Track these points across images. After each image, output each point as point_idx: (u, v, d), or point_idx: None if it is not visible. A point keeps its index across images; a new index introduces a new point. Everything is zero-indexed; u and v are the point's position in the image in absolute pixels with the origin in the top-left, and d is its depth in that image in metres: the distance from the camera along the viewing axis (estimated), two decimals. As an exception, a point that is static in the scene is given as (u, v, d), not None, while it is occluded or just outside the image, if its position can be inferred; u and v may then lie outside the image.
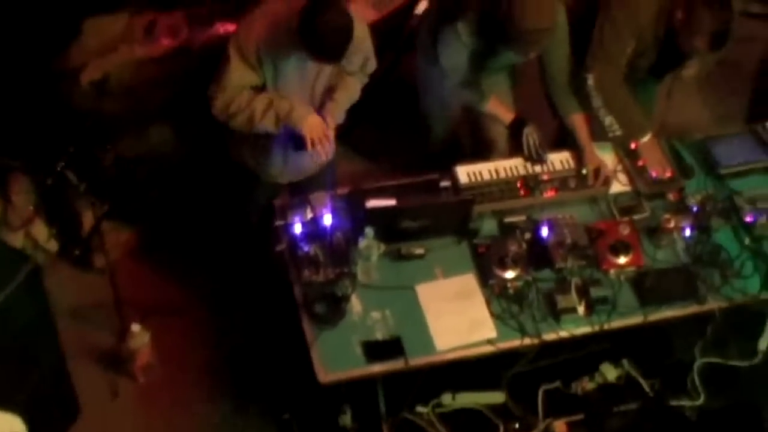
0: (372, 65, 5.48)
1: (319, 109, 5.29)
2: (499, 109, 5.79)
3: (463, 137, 6.44)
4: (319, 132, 5.16)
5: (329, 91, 5.37)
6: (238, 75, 5.07)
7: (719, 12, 5.31)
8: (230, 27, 6.16)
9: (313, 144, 5.15)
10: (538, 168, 5.67)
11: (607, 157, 5.78)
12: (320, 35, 4.78)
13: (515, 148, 5.79)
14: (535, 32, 5.23)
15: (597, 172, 5.63)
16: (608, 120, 5.68)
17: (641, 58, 5.71)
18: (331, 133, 5.27)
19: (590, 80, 5.63)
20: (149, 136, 6.43)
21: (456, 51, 5.55)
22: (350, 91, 5.45)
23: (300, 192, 5.62)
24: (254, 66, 5.06)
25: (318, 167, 5.64)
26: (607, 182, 5.64)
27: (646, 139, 5.73)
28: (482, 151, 6.05)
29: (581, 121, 5.74)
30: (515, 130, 5.73)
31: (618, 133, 5.70)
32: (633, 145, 5.77)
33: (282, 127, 5.17)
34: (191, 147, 6.46)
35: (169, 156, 6.48)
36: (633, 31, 5.56)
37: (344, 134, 5.74)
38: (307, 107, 5.20)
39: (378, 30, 6.37)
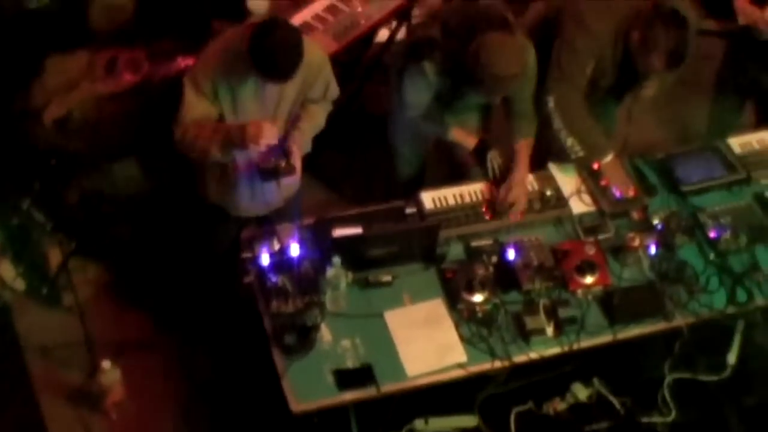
0: (334, 91, 5.50)
1: (284, 139, 5.30)
2: (462, 135, 5.83)
3: (435, 163, 6.46)
4: (256, 129, 5.03)
5: (294, 121, 5.38)
6: (193, 108, 5.10)
7: (675, 31, 5.38)
8: (191, 61, 6.16)
9: (256, 139, 5.03)
10: (503, 191, 5.69)
11: (570, 177, 5.83)
12: (270, 54, 4.81)
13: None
14: (505, 79, 5.27)
15: (511, 203, 5.64)
16: (570, 141, 5.73)
17: (600, 79, 5.77)
18: (299, 163, 5.28)
19: (551, 102, 5.68)
20: (114, 172, 6.42)
21: (420, 89, 5.58)
22: (315, 120, 5.47)
23: (267, 222, 5.63)
24: (209, 98, 5.09)
25: (285, 200, 5.65)
26: (511, 207, 5.63)
27: (608, 159, 5.78)
28: (457, 176, 6.05)
29: (526, 146, 5.77)
30: (479, 154, 5.76)
31: (580, 154, 5.75)
32: (595, 166, 5.81)
33: (231, 152, 5.16)
34: (157, 182, 6.45)
35: (135, 191, 6.46)
36: (591, 53, 5.62)
37: (309, 164, 5.75)
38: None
39: (339, 60, 6.43)
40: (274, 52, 4.81)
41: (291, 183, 5.45)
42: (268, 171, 5.21)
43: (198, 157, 5.24)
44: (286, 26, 4.92)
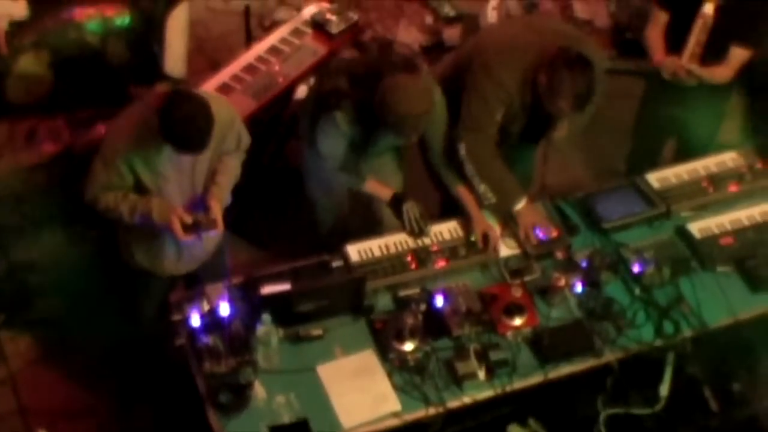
0: (246, 140, 5.54)
1: (204, 195, 5.34)
2: (377, 188, 5.88)
3: (354, 220, 6.50)
4: (168, 213, 5.17)
5: (212, 175, 5.41)
6: (103, 181, 5.17)
7: (580, 74, 5.47)
8: (114, 127, 6.18)
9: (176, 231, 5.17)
10: (427, 240, 5.75)
11: (493, 222, 5.88)
12: (181, 130, 4.86)
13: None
14: (414, 117, 5.34)
15: (485, 238, 5.72)
16: (482, 188, 5.80)
17: (512, 124, 5.86)
18: (219, 217, 5.30)
19: (462, 150, 5.76)
20: (40, 242, 6.39)
21: (334, 139, 5.64)
22: (232, 172, 5.50)
23: (195, 281, 5.65)
24: (121, 173, 5.13)
25: (210, 253, 5.67)
26: (496, 247, 5.73)
27: (520, 205, 5.84)
28: (372, 230, 6.09)
29: (465, 190, 5.84)
30: (395, 206, 5.81)
31: (492, 200, 5.82)
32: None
33: (145, 221, 5.22)
34: (84, 250, 6.43)
35: (63, 260, 6.43)
36: (500, 101, 5.71)
37: (236, 223, 5.77)
38: (159, 199, 5.24)
39: (259, 119, 6.47)
40: (184, 128, 4.86)
41: (213, 236, 5.45)
42: (189, 226, 5.22)
43: (112, 219, 5.29)
44: (192, 98, 4.94)
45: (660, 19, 6.42)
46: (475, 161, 5.77)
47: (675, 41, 6.29)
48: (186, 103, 4.87)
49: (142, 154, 5.08)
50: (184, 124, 4.85)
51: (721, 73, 6.32)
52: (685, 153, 6.69)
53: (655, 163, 6.70)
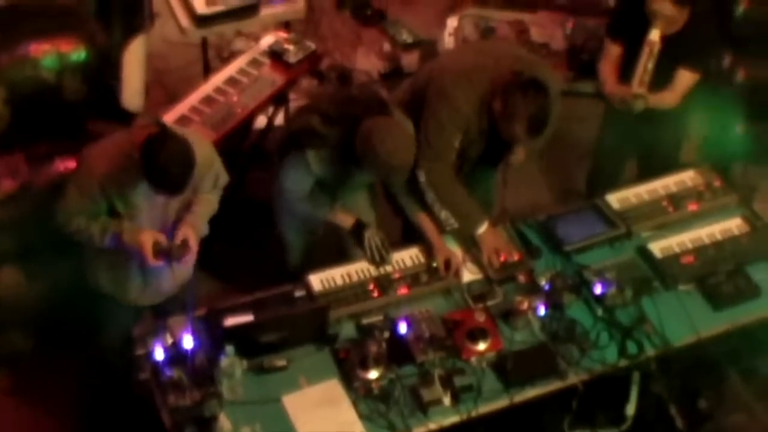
0: (224, 179, 5.55)
1: (175, 225, 5.33)
2: (339, 216, 5.88)
3: (323, 248, 6.49)
4: (139, 235, 5.17)
5: (186, 207, 5.40)
6: (76, 205, 5.15)
7: (534, 98, 5.50)
8: (70, 163, 6.16)
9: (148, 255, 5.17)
10: (389, 267, 5.76)
11: (454, 247, 5.89)
12: (164, 171, 4.87)
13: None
14: (399, 167, 5.37)
15: (447, 264, 5.72)
16: (443, 214, 5.82)
17: (470, 149, 5.88)
18: (194, 242, 5.29)
19: (421, 177, 5.78)
20: (1, 279, 6.36)
21: (301, 177, 5.63)
22: (208, 205, 5.50)
23: (161, 312, 5.64)
24: (96, 200, 5.11)
25: (178, 287, 5.64)
26: (458, 273, 5.73)
27: (482, 229, 5.85)
28: (342, 258, 6.07)
29: (426, 217, 5.85)
30: (357, 234, 5.81)
31: (454, 226, 5.83)
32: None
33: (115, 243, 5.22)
34: (46, 285, 6.40)
35: (24, 297, 6.40)
36: (457, 127, 5.73)
37: (200, 257, 5.75)
38: (130, 223, 5.23)
39: (218, 151, 6.43)
40: (166, 170, 4.87)
41: (184, 269, 5.43)
42: (161, 253, 5.20)
43: (82, 241, 5.28)
44: (177, 140, 4.93)
45: (612, 51, 6.49)
46: (435, 188, 5.79)
47: (628, 71, 6.32)
48: (170, 145, 4.87)
49: (117, 184, 5.08)
50: (167, 165, 4.85)
51: (669, 98, 6.39)
52: (647, 173, 6.72)
53: (616, 184, 6.72)
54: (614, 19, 6.63)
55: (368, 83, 8.34)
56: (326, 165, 5.55)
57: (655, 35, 6.13)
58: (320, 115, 5.54)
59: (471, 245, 5.90)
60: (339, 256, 6.12)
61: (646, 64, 6.20)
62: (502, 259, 5.82)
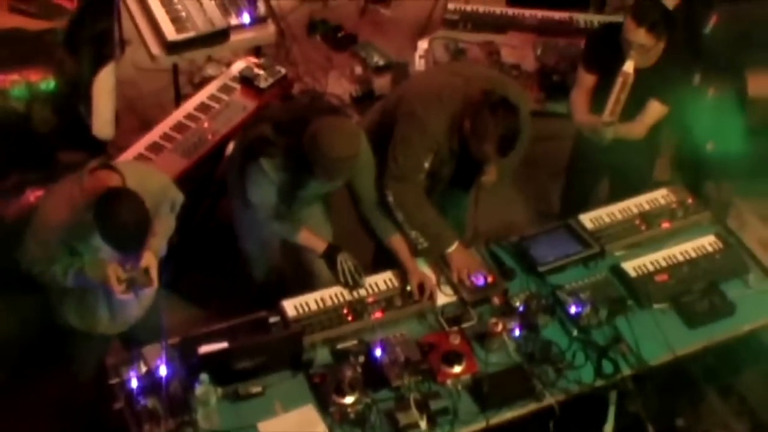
0: (180, 200, 5.53)
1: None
2: (311, 239, 5.86)
3: (287, 273, 6.47)
4: (114, 277, 5.11)
5: None
6: (35, 255, 5.15)
7: (503, 118, 5.52)
8: (42, 193, 6.12)
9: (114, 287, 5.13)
10: (363, 291, 5.74)
11: (427, 270, 5.89)
12: (117, 235, 4.87)
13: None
14: (341, 160, 5.34)
15: (421, 287, 5.72)
16: (413, 234, 5.83)
17: (440, 169, 5.90)
18: (154, 268, 5.26)
19: (390, 197, 5.79)
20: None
21: (264, 187, 5.62)
22: (168, 224, 5.47)
23: (129, 340, 5.62)
24: (54, 248, 5.10)
25: (145, 310, 5.61)
26: (432, 296, 5.72)
27: (452, 249, 5.85)
28: (307, 285, 6.06)
29: (399, 240, 5.84)
30: (329, 258, 5.80)
31: (424, 245, 5.84)
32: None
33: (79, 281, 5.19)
34: (17, 317, 6.37)
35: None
36: (427, 148, 5.75)
37: (171, 283, 5.74)
38: (90, 257, 5.19)
39: (190, 177, 6.44)
40: (121, 235, 4.86)
41: (148, 293, 5.41)
42: (125, 282, 5.17)
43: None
44: (128, 200, 4.89)
45: (586, 81, 6.48)
46: (404, 208, 5.80)
47: (601, 101, 6.33)
48: (122, 210, 4.82)
49: (74, 233, 5.07)
50: (120, 233, 4.85)
51: (637, 129, 6.41)
52: (620, 192, 6.73)
53: (590, 203, 6.74)
54: (588, 49, 6.62)
55: (320, 93, 8.37)
56: (281, 172, 5.54)
57: (629, 67, 6.13)
58: (272, 124, 5.57)
59: (443, 266, 5.89)
60: (305, 278, 6.15)
61: (618, 95, 6.20)
62: (471, 278, 5.81)
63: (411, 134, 5.75)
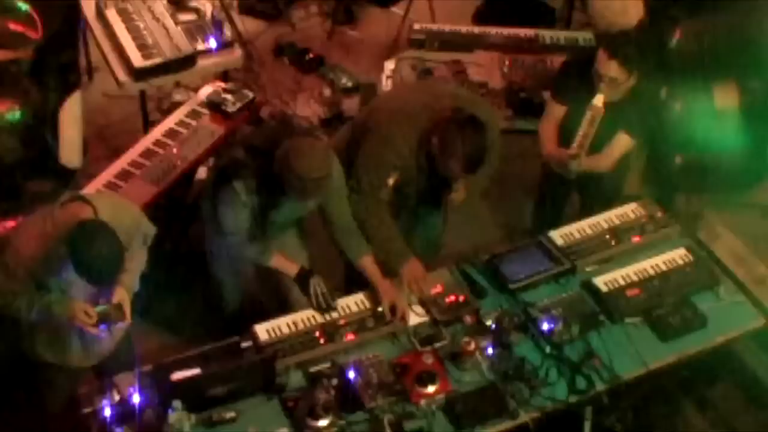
0: (151, 233, 5.52)
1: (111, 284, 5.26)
2: (284, 263, 5.85)
3: (263, 300, 6.46)
4: (82, 315, 5.12)
5: None
6: (3, 287, 5.11)
7: (471, 135, 5.55)
8: (11, 223, 6.10)
9: (84, 324, 5.13)
10: (335, 314, 5.73)
11: (400, 290, 5.88)
12: (91, 267, 4.85)
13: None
14: (313, 179, 5.33)
15: (393, 308, 5.71)
16: (374, 250, 5.86)
17: (409, 185, 5.91)
18: (127, 306, 5.25)
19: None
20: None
21: (237, 211, 5.60)
22: (140, 259, 5.47)
23: (103, 371, 5.57)
24: (24, 282, 5.07)
25: (116, 342, 5.59)
26: (404, 316, 5.72)
27: (406, 265, 5.86)
28: (282, 308, 6.05)
29: (369, 261, 5.84)
30: (302, 282, 5.79)
31: (380, 259, 5.86)
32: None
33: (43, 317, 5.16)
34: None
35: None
36: (391, 163, 5.80)
37: (143, 310, 5.72)
38: (58, 294, 5.17)
39: (160, 204, 6.43)
40: (95, 267, 4.85)
41: (121, 327, 5.38)
42: (98, 318, 5.15)
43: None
44: (101, 233, 4.88)
45: (555, 112, 6.48)
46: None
47: (571, 132, 6.32)
48: (96, 241, 4.82)
49: (45, 267, 5.05)
50: (94, 265, 4.83)
51: (604, 162, 6.42)
52: (591, 208, 6.75)
53: (561, 220, 6.74)
54: (559, 80, 6.61)
55: (291, 116, 8.38)
56: (254, 195, 5.54)
57: (599, 101, 6.13)
58: (245, 148, 5.58)
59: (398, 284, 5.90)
60: (280, 303, 6.12)
61: (587, 129, 6.20)
62: (422, 290, 5.85)
63: (375, 151, 5.78)
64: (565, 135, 6.37)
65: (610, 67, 6.04)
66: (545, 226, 6.47)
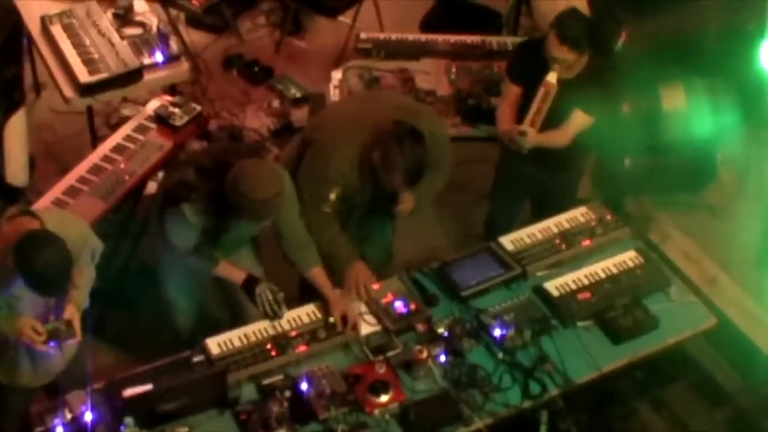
0: (100, 249, 5.47)
1: (61, 299, 5.23)
2: (230, 271, 5.82)
3: (218, 316, 6.43)
4: (30, 332, 5.08)
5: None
6: None
7: (410, 148, 5.56)
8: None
9: (33, 341, 5.08)
10: (286, 325, 5.71)
11: (351, 300, 5.87)
12: (39, 277, 4.80)
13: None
14: (266, 201, 5.30)
15: (344, 318, 5.70)
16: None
17: (354, 197, 5.91)
18: (77, 324, 5.21)
19: None
20: None
21: (184, 231, 5.58)
22: (88, 275, 5.42)
23: (55, 390, 5.52)
24: None
25: (67, 362, 5.54)
26: (356, 326, 5.71)
27: (351, 269, 5.87)
28: (236, 320, 6.04)
29: (319, 273, 5.83)
30: (248, 290, 5.77)
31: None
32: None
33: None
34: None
35: None
36: (331, 179, 5.79)
37: (95, 327, 5.68)
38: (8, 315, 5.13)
39: (109, 219, 6.39)
40: (43, 276, 4.80)
41: (71, 344, 5.35)
42: (48, 335, 5.11)
43: None
44: (50, 242, 4.84)
45: (511, 92, 6.50)
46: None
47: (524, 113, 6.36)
48: (43, 250, 4.77)
49: None
50: (43, 272, 4.78)
51: (560, 137, 6.40)
52: (544, 214, 6.78)
53: (514, 226, 6.76)
54: (513, 61, 6.66)
55: (240, 130, 8.37)
56: (204, 217, 5.50)
57: (552, 77, 6.18)
58: (195, 169, 5.53)
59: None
60: (232, 311, 6.11)
61: (540, 105, 6.24)
62: (368, 292, 5.87)
63: (315, 167, 5.80)
64: (522, 115, 6.39)
65: (561, 51, 6.10)
66: (498, 233, 6.47)
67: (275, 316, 5.72)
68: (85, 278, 5.37)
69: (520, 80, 6.45)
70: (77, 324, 5.20)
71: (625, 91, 6.88)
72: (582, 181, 7.27)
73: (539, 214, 6.82)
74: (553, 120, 6.33)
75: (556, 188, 6.83)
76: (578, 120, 6.38)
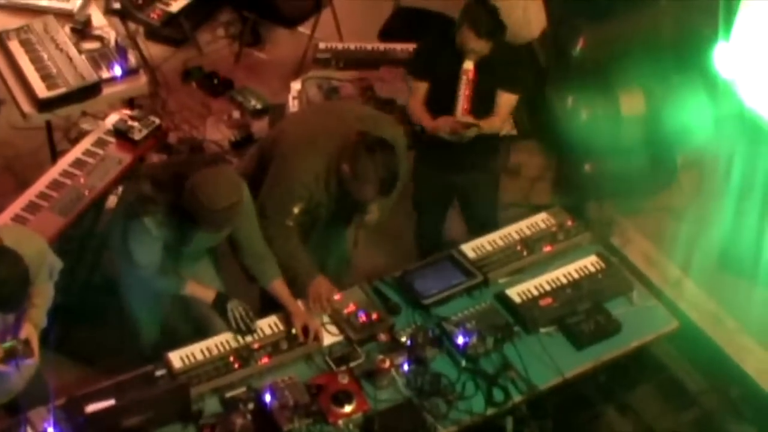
0: (58, 266, 5.41)
1: (18, 318, 5.18)
2: (199, 290, 5.81)
3: (182, 330, 6.40)
4: None
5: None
6: None
7: (381, 158, 5.56)
8: None
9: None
10: (248, 337, 5.69)
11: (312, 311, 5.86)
12: None
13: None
14: (224, 210, 5.30)
15: (306, 329, 5.69)
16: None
17: (317, 210, 5.90)
18: (35, 339, 5.17)
19: None
20: None
21: (148, 246, 5.56)
22: (47, 294, 5.36)
23: (16, 409, 5.47)
24: None
25: (25, 381, 5.50)
26: (318, 337, 5.70)
27: (312, 283, 5.85)
28: (202, 333, 6.00)
29: (280, 285, 5.82)
30: (219, 307, 5.76)
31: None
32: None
33: None
34: None
35: None
36: (296, 194, 5.78)
37: (57, 342, 5.65)
38: None
39: (70, 235, 6.36)
40: (1, 289, 4.75)
41: (30, 363, 5.31)
42: (5, 354, 5.08)
43: None
44: (7, 255, 4.79)
45: (420, 89, 6.56)
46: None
47: (442, 106, 6.42)
48: (0, 263, 4.74)
49: None
50: (1, 285, 4.73)
51: (496, 122, 6.49)
52: (472, 218, 6.85)
53: (440, 235, 6.79)
54: (416, 61, 6.76)
55: (199, 142, 8.36)
56: (165, 229, 5.49)
57: (468, 65, 6.29)
58: (151, 182, 5.51)
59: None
60: (196, 325, 6.08)
61: (465, 92, 6.32)
62: (327, 308, 5.85)
63: (279, 181, 5.78)
64: (432, 108, 6.48)
65: (479, 44, 6.22)
66: (427, 245, 6.51)
67: (248, 331, 5.71)
68: (43, 297, 5.32)
69: (426, 76, 6.53)
70: (35, 343, 5.16)
71: (581, 97, 6.92)
72: (542, 188, 7.30)
73: (468, 219, 7.03)
74: (483, 103, 6.41)
75: (474, 190, 6.90)
76: (506, 101, 6.49)
